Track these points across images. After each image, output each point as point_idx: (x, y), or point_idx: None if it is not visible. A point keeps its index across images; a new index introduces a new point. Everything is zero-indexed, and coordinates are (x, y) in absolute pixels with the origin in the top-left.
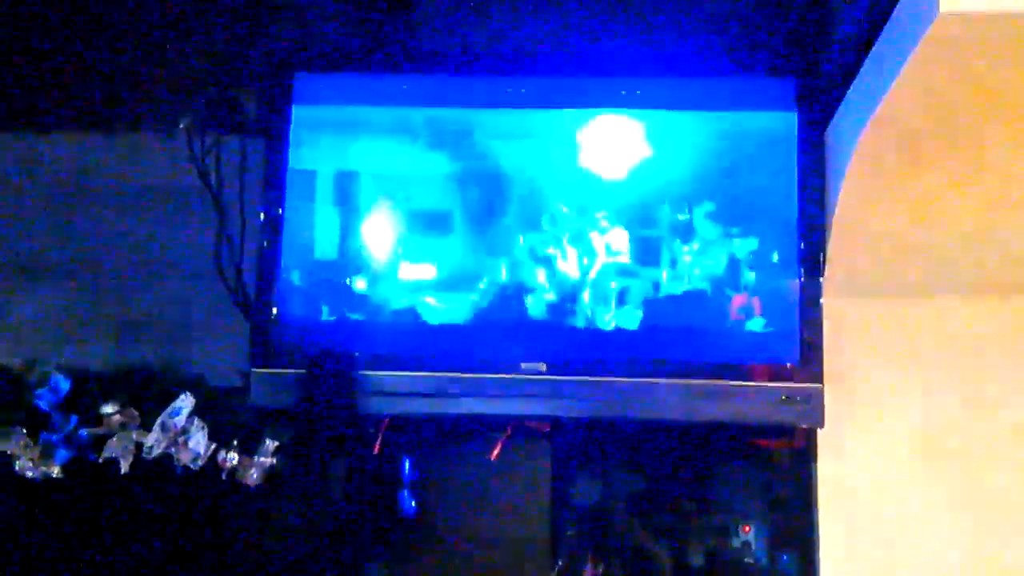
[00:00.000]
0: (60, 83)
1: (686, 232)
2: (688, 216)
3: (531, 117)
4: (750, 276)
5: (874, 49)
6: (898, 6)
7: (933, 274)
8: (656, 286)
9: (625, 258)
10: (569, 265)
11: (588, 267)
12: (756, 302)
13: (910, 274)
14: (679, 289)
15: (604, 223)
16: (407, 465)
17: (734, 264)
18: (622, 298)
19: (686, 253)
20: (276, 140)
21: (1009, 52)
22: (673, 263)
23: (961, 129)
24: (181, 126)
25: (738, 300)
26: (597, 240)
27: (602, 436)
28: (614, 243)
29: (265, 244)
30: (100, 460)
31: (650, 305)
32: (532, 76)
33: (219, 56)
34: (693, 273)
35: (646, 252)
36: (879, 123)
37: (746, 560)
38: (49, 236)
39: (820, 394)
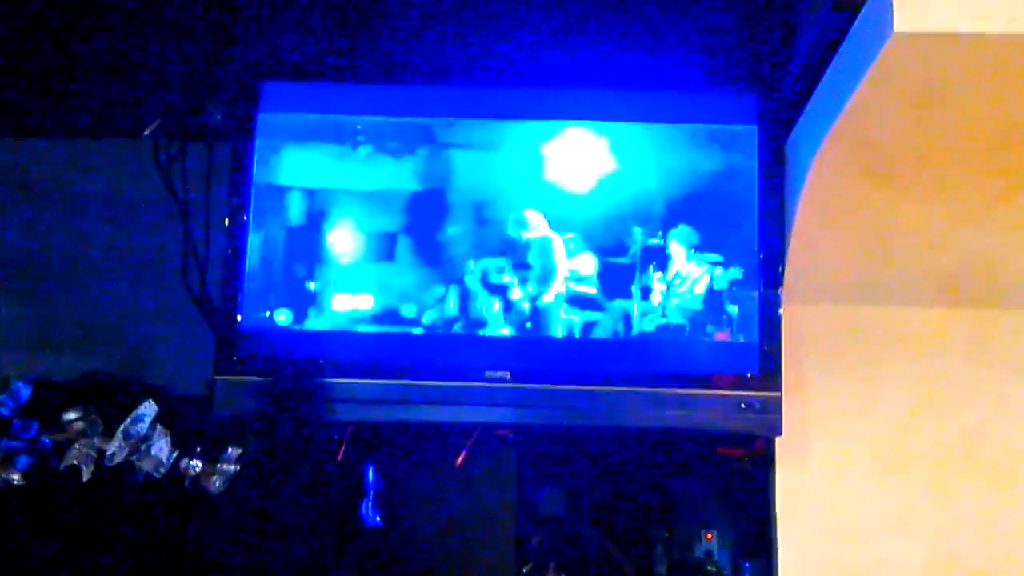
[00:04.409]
0: (24, 89)
1: (659, 258)
2: (661, 240)
3: (494, 128)
4: (733, 309)
5: (832, 65)
6: (855, 24)
7: (891, 284)
8: (627, 321)
9: (591, 287)
10: (526, 295)
11: (548, 298)
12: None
13: (869, 284)
14: (652, 325)
15: (569, 245)
16: (371, 473)
17: (714, 295)
18: (586, 334)
19: (658, 281)
20: (241, 148)
21: (962, 71)
22: (645, 293)
23: (917, 145)
24: (146, 133)
25: (720, 337)
26: (560, 265)
27: (566, 444)
28: (579, 269)
29: (229, 252)
30: (62, 467)
31: (619, 345)
32: (498, 87)
33: (185, 63)
34: (669, 304)
35: (615, 280)
36: (836, 138)
37: (709, 568)
38: (12, 242)
39: (779, 403)
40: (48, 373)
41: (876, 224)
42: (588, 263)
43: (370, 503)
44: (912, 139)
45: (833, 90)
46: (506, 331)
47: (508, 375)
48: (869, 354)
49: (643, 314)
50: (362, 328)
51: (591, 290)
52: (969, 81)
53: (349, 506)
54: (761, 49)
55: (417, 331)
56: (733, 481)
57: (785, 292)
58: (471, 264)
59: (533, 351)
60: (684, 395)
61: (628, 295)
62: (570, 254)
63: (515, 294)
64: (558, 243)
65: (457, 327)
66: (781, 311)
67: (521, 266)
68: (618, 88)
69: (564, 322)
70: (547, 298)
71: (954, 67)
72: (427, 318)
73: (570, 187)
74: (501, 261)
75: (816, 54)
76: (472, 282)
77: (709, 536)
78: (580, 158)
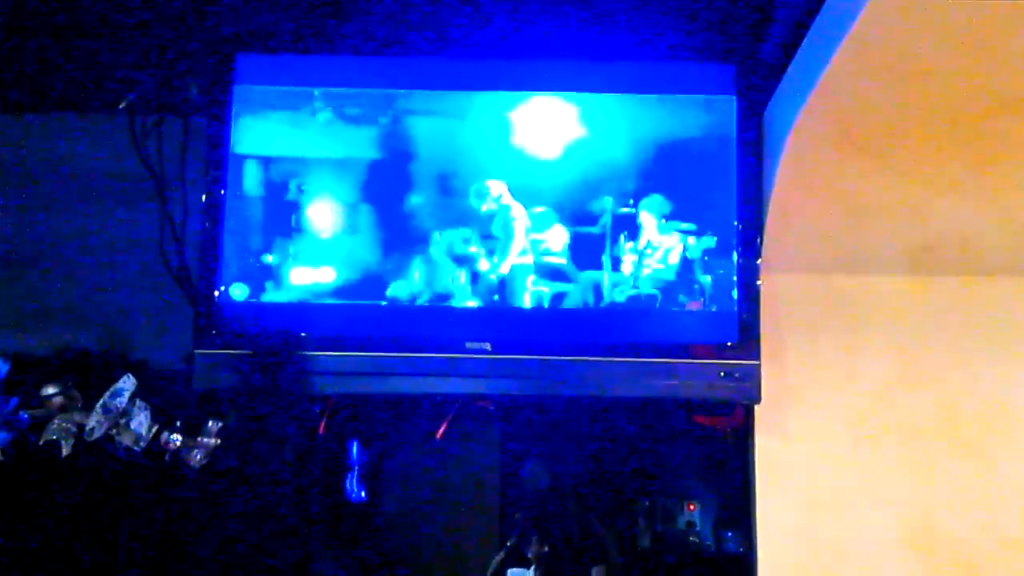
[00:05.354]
0: None
1: (630, 227)
2: (633, 209)
3: (464, 99)
4: (705, 279)
5: (810, 33)
6: None
7: (869, 254)
8: (597, 291)
9: (561, 258)
10: (493, 266)
11: (509, 268)
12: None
13: (846, 254)
14: (623, 295)
15: (537, 216)
16: (355, 448)
17: (686, 265)
18: (555, 306)
19: (630, 251)
20: (217, 121)
21: (937, 40)
22: (616, 264)
23: (893, 115)
24: (121, 106)
25: (693, 307)
26: (519, 236)
27: (549, 415)
28: (547, 240)
29: (207, 225)
30: (41, 442)
31: (599, 315)
32: (470, 58)
33: (160, 36)
34: (641, 275)
35: (585, 251)
36: (813, 108)
37: (691, 538)
38: None
39: (757, 370)
40: (26, 348)
41: (853, 194)
42: (558, 234)
43: (354, 478)
44: (888, 109)
45: (810, 60)
46: (473, 303)
47: (488, 346)
48: (846, 323)
49: (614, 285)
50: (338, 301)
51: (561, 261)
52: (944, 50)
53: (331, 477)
54: (739, 18)
55: (384, 303)
56: (714, 451)
57: (763, 262)
58: (436, 235)
59: (513, 322)
60: (665, 364)
61: (599, 266)
62: (540, 225)
63: (482, 265)
64: (519, 212)
65: (422, 300)
66: (759, 280)
67: (487, 237)
68: (594, 59)
69: (533, 293)
70: (508, 269)
71: (929, 36)
72: (391, 291)
73: (541, 158)
74: (467, 232)
75: (794, 22)
76: (437, 253)
77: (691, 507)
78: (552, 129)
